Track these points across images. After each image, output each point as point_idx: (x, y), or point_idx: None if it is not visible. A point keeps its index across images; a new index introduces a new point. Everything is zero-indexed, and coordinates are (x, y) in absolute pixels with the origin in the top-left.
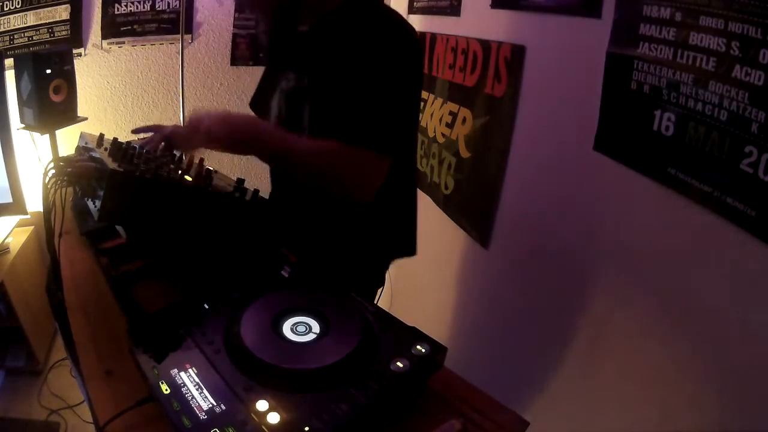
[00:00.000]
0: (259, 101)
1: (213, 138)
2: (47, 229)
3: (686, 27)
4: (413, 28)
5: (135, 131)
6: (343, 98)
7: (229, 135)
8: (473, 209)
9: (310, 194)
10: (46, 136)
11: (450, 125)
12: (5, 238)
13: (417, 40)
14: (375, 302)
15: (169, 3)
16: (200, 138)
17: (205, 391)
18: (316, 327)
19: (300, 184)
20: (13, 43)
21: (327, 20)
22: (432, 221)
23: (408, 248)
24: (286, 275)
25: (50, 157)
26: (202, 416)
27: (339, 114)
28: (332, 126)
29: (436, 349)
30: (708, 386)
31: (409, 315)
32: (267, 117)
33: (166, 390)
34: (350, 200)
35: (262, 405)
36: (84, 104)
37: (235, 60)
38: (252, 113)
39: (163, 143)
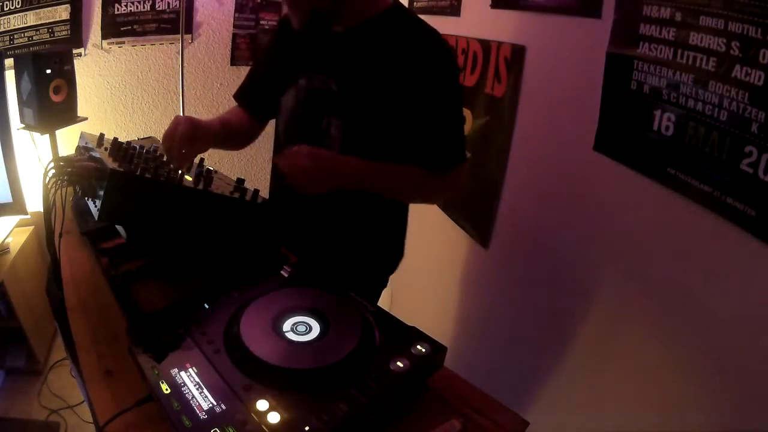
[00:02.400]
0: (252, 93)
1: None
2: (47, 229)
3: (686, 27)
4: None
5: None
6: (400, 118)
7: (333, 185)
8: (473, 209)
9: (306, 197)
10: (46, 136)
11: None
12: (5, 238)
13: (454, 53)
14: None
15: (169, 3)
16: (321, 187)
17: (205, 390)
18: (316, 327)
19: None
20: (13, 43)
21: (365, 27)
22: (432, 221)
23: (397, 252)
24: (286, 275)
25: (50, 157)
26: (203, 416)
27: (393, 134)
28: (376, 142)
29: (436, 348)
30: (708, 386)
31: (409, 315)
32: (278, 112)
33: (166, 390)
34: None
35: (262, 405)
36: (84, 104)
37: (235, 60)
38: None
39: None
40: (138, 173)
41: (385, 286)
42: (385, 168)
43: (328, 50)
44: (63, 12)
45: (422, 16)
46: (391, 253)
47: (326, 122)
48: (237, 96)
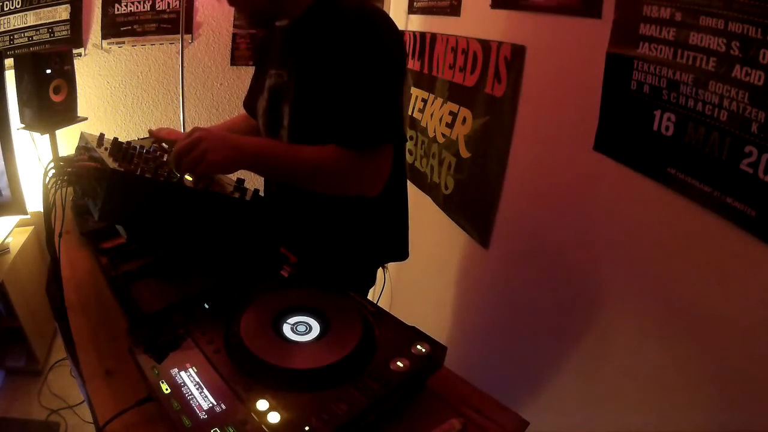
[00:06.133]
0: (249, 102)
1: (217, 167)
2: (47, 229)
3: (686, 27)
4: (390, 18)
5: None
6: (332, 97)
7: (229, 160)
8: (473, 209)
9: (303, 194)
10: (46, 136)
11: (450, 125)
12: (5, 238)
13: (397, 29)
14: (373, 301)
15: (169, 3)
16: (203, 167)
17: (205, 390)
18: (316, 327)
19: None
20: (13, 43)
21: (306, 15)
22: (432, 221)
23: (400, 252)
24: (286, 275)
25: (50, 157)
26: (203, 416)
27: (329, 114)
28: (320, 126)
29: (436, 348)
30: (708, 386)
31: (409, 315)
32: (256, 117)
33: (166, 390)
34: (361, 195)
35: (262, 404)
36: (84, 104)
37: (235, 60)
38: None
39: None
40: (138, 173)
41: (373, 283)
42: (289, 145)
43: (280, 45)
44: (63, 12)
45: (422, 17)
46: (389, 248)
47: (281, 111)
48: (244, 104)
